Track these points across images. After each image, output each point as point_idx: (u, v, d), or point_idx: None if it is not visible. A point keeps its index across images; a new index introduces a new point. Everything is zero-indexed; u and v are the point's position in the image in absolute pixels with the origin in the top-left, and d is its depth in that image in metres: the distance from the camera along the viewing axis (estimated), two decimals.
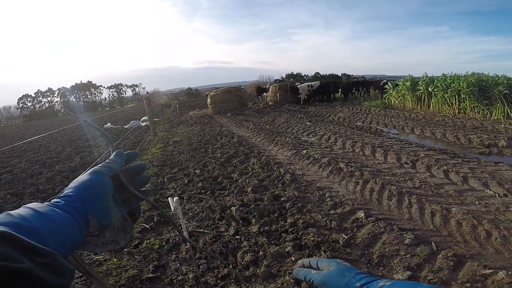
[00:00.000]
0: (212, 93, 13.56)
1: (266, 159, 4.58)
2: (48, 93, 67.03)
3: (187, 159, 5.15)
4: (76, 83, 71.59)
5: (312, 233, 2.33)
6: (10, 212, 0.34)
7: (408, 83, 9.95)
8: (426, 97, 9.27)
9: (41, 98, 66.19)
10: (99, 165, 0.45)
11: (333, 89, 14.00)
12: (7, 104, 67.96)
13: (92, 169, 0.44)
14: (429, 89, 8.93)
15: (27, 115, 61.78)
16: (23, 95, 65.12)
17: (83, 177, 0.43)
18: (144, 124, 10.62)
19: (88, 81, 73.41)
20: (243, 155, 4.94)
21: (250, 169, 4.19)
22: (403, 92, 10.18)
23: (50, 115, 59.70)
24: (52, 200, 0.40)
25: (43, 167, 6.24)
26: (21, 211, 0.35)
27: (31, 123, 38.09)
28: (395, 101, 10.74)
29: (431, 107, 9.02)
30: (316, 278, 0.49)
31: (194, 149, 5.81)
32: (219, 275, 1.97)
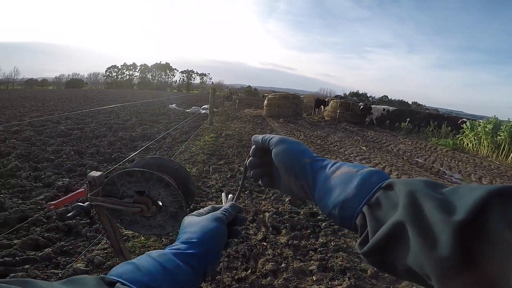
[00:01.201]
0: (270, 96, 13.73)
1: None
2: (131, 67, 76.12)
3: (235, 154, 5.32)
4: (156, 63, 79.78)
5: (341, 258, 2.24)
6: (138, 264, 0.36)
7: (490, 126, 8.64)
8: (507, 145, 7.96)
9: (124, 70, 75.48)
10: (220, 212, 0.47)
11: (403, 118, 12.86)
12: (96, 71, 78.90)
13: (214, 215, 0.46)
14: None
15: (109, 83, 71.03)
16: (112, 65, 74.90)
17: (206, 222, 0.44)
18: (203, 111, 11.29)
19: (166, 62, 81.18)
20: None
21: None
22: (480, 135, 8.89)
23: (127, 86, 67.79)
24: (178, 242, 0.42)
25: (109, 130, 7.08)
26: (149, 264, 0.37)
27: (110, 90, 43.69)
28: (468, 144, 9.44)
29: (510, 158, 7.71)
30: (274, 138, 0.46)
31: (243, 146, 5.97)
32: (236, 277, 1.98)
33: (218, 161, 4.80)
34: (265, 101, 13.55)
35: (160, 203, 0.97)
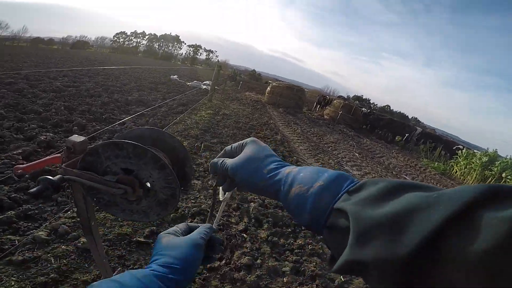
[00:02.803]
0: (274, 83, 13.51)
1: None
2: (140, 35, 74.72)
3: (229, 134, 5.17)
4: (165, 33, 78.49)
5: (314, 263, 2.20)
6: (122, 283, 0.36)
7: (485, 158, 8.66)
8: (494, 181, 8.02)
9: (132, 38, 73.98)
10: (199, 236, 0.48)
11: (399, 130, 12.81)
12: (104, 35, 77.09)
13: (194, 240, 0.47)
14: (503, 175, 7.67)
15: (115, 48, 69.36)
16: (121, 31, 74.22)
17: (187, 249, 0.45)
18: (204, 87, 11.03)
19: (176, 34, 79.81)
20: (281, 157, 4.77)
21: None
22: (472, 165, 8.91)
23: (133, 53, 66.02)
24: (157, 264, 0.42)
25: (105, 92, 6.83)
26: (134, 285, 0.36)
27: (115, 54, 42.34)
28: (457, 171, 9.48)
29: None
30: (228, 165, 0.46)
31: (239, 128, 5.82)
32: (208, 266, 1.89)
33: (211, 139, 4.65)
34: (268, 88, 13.32)
35: (149, 185, 0.76)
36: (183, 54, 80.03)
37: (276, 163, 0.43)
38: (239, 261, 1.97)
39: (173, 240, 0.45)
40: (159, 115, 5.67)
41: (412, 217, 0.22)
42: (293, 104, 12.56)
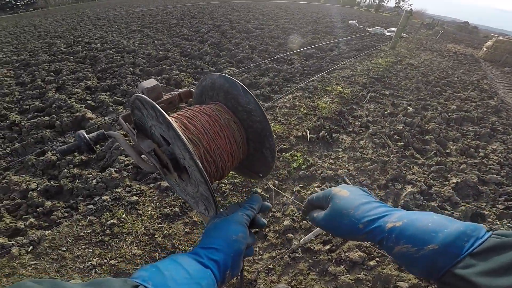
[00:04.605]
0: (502, 38, 9.23)
1: None
2: None
3: (410, 88, 3.93)
4: None
5: None
6: (161, 268, 0.35)
7: None
8: None
9: None
10: (241, 212, 0.47)
11: None
12: None
13: (236, 218, 0.46)
14: None
15: None
16: None
17: (227, 226, 0.44)
18: (388, 34, 9.19)
19: None
20: (487, 127, 3.08)
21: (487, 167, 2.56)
22: None
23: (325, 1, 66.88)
24: (198, 247, 0.42)
25: (283, 34, 7.00)
26: (173, 268, 0.36)
27: (299, 2, 44.33)
28: None
29: None
30: (319, 223, 0.47)
31: (427, 83, 4.33)
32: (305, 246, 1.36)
33: (382, 89, 3.68)
34: (489, 42, 9.37)
35: (188, 174, 0.50)
36: (366, 1, 71.92)
37: (372, 211, 0.40)
38: (347, 254, 1.41)
39: (217, 222, 0.45)
40: (327, 58, 5.14)
41: None
42: None
